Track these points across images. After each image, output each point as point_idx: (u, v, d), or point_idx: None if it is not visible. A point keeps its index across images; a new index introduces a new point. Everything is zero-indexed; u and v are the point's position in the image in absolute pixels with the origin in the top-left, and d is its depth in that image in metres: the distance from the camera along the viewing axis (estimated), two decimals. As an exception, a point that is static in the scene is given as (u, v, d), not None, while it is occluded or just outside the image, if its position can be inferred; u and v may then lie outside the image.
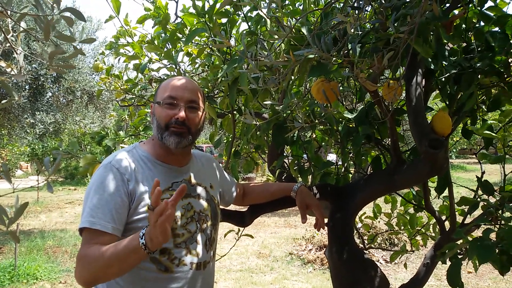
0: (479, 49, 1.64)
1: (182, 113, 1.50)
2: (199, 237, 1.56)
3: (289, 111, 1.95)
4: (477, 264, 1.43)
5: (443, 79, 1.76)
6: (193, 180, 1.63)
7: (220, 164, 1.95)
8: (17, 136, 10.37)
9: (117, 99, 2.89)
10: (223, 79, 1.92)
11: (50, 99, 9.94)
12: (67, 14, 1.04)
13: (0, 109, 8.68)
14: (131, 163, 1.49)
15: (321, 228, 1.85)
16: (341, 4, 1.44)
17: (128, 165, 1.47)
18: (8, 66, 1.26)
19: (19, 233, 7.08)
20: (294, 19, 1.66)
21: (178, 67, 2.12)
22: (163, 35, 2.16)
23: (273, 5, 1.48)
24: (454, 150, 21.53)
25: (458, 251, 1.72)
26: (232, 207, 1.96)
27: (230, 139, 2.26)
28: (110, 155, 1.54)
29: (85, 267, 1.30)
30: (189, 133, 1.53)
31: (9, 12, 1.05)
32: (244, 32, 1.82)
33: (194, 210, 1.56)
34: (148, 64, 2.34)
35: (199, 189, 1.64)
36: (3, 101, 1.33)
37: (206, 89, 2.16)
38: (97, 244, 1.33)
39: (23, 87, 8.85)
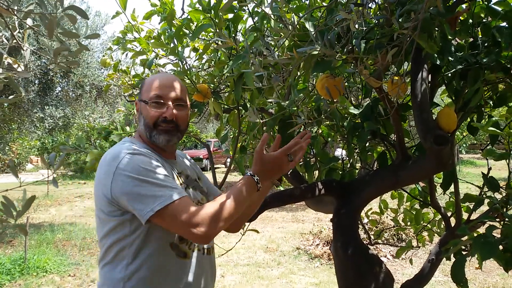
0: (485, 44, 1.63)
1: (170, 112, 1.51)
2: None
3: (295, 107, 1.95)
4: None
5: (449, 75, 1.75)
6: (186, 173, 1.66)
7: (228, 159, 1.96)
8: (27, 130, 10.45)
9: (124, 94, 2.91)
10: (228, 74, 1.92)
11: (59, 93, 10.01)
12: (71, 12, 1.05)
13: (10, 104, 8.76)
14: (147, 150, 1.48)
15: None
16: (345, 0, 1.43)
17: (147, 151, 1.47)
18: (15, 62, 1.27)
19: (29, 226, 7.16)
20: (299, 15, 1.66)
21: (184, 63, 2.12)
22: (169, 31, 2.17)
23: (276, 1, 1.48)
24: (464, 145, 21.37)
25: (463, 247, 1.72)
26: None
27: (236, 135, 2.26)
28: (117, 147, 1.46)
29: (217, 217, 1.34)
30: (177, 130, 1.55)
31: (15, 10, 1.06)
32: (249, 28, 1.82)
33: (193, 200, 1.58)
34: (155, 59, 2.35)
35: (192, 181, 1.67)
36: (11, 97, 1.35)
37: (212, 85, 2.17)
38: (193, 204, 1.37)
39: (32, 81, 8.92)
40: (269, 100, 1.68)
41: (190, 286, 1.50)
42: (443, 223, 2.25)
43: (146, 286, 1.43)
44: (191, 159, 1.88)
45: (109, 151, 1.46)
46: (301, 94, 2.10)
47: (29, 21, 1.20)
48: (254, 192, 1.44)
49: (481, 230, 2.02)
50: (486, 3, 1.62)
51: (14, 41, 1.26)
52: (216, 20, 1.92)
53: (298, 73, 1.91)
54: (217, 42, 1.98)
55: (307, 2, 1.89)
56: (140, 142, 1.55)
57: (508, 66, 1.58)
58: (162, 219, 1.33)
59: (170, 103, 1.52)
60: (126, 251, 1.43)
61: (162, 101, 1.51)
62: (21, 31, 1.28)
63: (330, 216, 2.06)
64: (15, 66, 1.30)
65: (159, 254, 1.44)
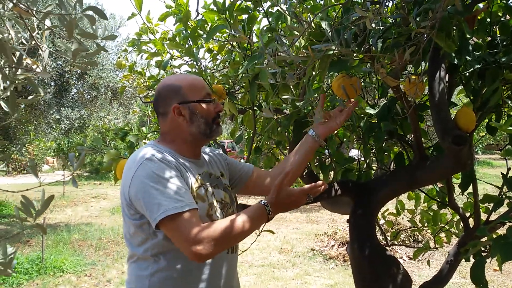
0: (504, 43, 1.60)
1: (221, 106, 1.64)
2: None
3: (310, 107, 1.95)
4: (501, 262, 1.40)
5: (467, 74, 1.73)
6: (209, 171, 1.67)
7: (242, 160, 1.96)
8: (43, 131, 10.60)
9: (140, 96, 2.93)
10: (243, 75, 1.92)
11: (75, 95, 10.13)
12: (90, 12, 1.06)
13: (26, 105, 8.89)
14: (168, 156, 1.49)
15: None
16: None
17: (168, 158, 1.48)
18: (34, 63, 1.29)
19: (46, 226, 7.25)
20: (314, 15, 1.65)
21: (199, 64, 2.13)
22: (184, 32, 2.17)
23: (294, 0, 1.47)
24: (481, 146, 21.11)
25: (482, 248, 1.69)
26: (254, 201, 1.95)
27: (251, 135, 2.26)
28: (140, 152, 1.49)
29: (217, 239, 1.34)
30: None
31: (34, 11, 1.08)
32: (264, 28, 1.82)
33: (216, 199, 1.60)
34: (170, 61, 2.36)
35: (215, 179, 1.67)
36: (30, 97, 1.37)
37: (227, 85, 2.17)
38: (199, 220, 1.37)
39: (48, 83, 9.03)
40: (284, 97, 1.69)
41: (213, 284, 1.52)
42: (461, 224, 2.23)
43: (170, 284, 1.46)
44: (214, 150, 1.89)
45: (132, 155, 1.51)
46: (316, 94, 2.09)
47: (47, 22, 1.21)
48: (263, 222, 1.45)
49: (501, 231, 2.00)
50: (504, 1, 1.60)
51: (33, 42, 1.28)
52: (231, 21, 1.92)
53: (313, 73, 1.90)
54: (234, 37, 1.98)
55: (322, 2, 1.88)
56: (163, 146, 1.56)
57: (528, 65, 1.55)
58: (165, 228, 1.36)
59: (214, 98, 1.64)
60: (149, 252, 1.46)
61: (212, 98, 1.62)
62: (39, 32, 1.29)
63: (345, 217, 2.04)
64: (34, 67, 1.32)
65: (181, 256, 1.44)
